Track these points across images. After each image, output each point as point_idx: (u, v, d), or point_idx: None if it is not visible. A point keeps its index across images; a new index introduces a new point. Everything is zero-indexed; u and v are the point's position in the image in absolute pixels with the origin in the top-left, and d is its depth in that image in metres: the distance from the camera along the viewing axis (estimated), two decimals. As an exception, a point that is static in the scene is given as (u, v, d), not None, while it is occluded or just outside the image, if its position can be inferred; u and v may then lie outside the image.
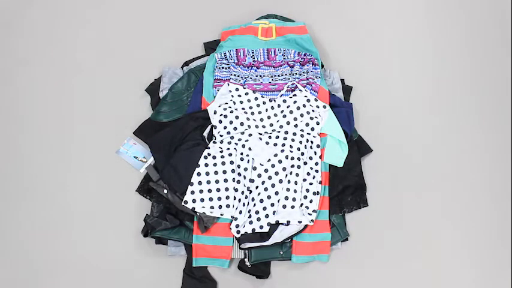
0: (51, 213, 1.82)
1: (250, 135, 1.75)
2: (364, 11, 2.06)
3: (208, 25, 2.01)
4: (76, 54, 2.00)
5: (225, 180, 1.69)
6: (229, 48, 1.88)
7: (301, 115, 1.77)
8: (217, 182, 1.69)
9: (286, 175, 1.70)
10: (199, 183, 1.69)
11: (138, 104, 1.92)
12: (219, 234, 1.71)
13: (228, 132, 1.75)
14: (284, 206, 1.68)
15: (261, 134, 1.76)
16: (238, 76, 1.85)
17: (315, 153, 1.75)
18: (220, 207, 1.68)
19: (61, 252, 1.78)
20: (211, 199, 1.68)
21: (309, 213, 1.69)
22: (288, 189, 1.69)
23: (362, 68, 1.98)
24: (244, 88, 1.80)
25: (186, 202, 1.67)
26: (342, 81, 1.94)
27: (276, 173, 1.70)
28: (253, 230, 1.66)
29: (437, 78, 1.98)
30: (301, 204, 1.69)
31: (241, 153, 1.73)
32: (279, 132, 1.77)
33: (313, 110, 1.78)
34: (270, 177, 1.70)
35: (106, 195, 1.83)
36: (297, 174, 1.71)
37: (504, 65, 2.00)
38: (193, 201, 1.68)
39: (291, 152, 1.73)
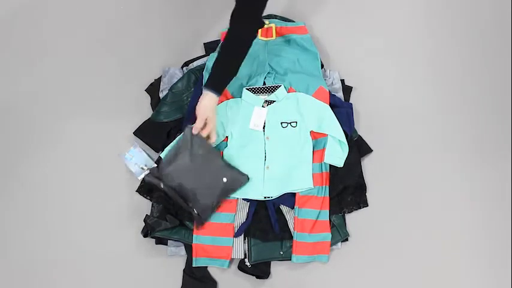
0: (51, 213, 1.82)
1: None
2: (364, 11, 2.07)
3: (208, 25, 2.01)
4: (76, 54, 2.00)
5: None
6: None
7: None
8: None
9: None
10: None
11: (138, 104, 1.93)
12: (219, 234, 1.71)
13: None
14: None
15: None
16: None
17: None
18: None
19: (61, 252, 1.78)
20: None
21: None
22: None
23: (362, 68, 1.98)
24: None
25: None
26: (342, 81, 1.94)
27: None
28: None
29: (438, 78, 1.98)
30: None
31: None
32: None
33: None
34: None
35: (106, 195, 1.83)
36: None
37: (505, 65, 2.00)
38: None
39: None
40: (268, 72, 1.88)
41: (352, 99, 1.93)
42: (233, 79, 1.85)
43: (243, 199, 1.75)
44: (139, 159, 1.83)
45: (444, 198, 1.84)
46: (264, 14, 1.96)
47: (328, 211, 1.75)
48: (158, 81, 1.92)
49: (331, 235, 1.74)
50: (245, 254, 1.72)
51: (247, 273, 1.72)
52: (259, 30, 1.89)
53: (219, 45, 1.81)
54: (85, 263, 1.77)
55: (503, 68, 1.99)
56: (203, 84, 1.83)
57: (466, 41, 2.03)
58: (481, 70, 1.99)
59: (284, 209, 1.75)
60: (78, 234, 1.80)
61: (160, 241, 1.75)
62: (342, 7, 2.07)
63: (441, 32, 2.04)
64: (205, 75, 1.85)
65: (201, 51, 1.98)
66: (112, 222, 1.80)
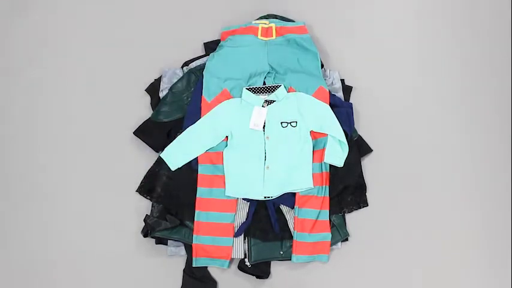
0: (51, 213, 1.82)
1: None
2: (364, 11, 2.06)
3: (208, 25, 2.01)
4: (76, 54, 2.00)
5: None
6: (229, 47, 1.88)
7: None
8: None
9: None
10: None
11: (138, 104, 1.92)
12: (219, 234, 1.71)
13: None
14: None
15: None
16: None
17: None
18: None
19: (61, 252, 1.78)
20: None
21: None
22: None
23: (362, 68, 1.98)
24: None
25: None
26: (342, 81, 1.94)
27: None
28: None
29: (438, 78, 1.98)
30: None
31: None
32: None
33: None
34: None
35: (106, 195, 1.83)
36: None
37: (505, 65, 2.00)
38: None
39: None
40: (268, 72, 1.88)
41: (352, 99, 1.93)
42: (233, 79, 1.86)
43: (243, 199, 1.75)
44: None
45: (444, 198, 1.84)
46: (264, 14, 1.98)
47: (328, 211, 1.75)
48: (158, 81, 1.92)
49: (331, 235, 1.74)
50: (245, 254, 1.72)
51: (247, 273, 1.73)
52: (260, 30, 1.89)
53: None
54: (85, 263, 1.77)
55: (503, 68, 1.99)
56: (203, 84, 1.83)
57: (466, 41, 2.03)
58: (481, 70, 1.99)
59: (284, 208, 1.75)
60: (78, 234, 1.80)
61: (160, 241, 1.75)
62: (341, 7, 2.07)
63: (441, 32, 2.04)
64: (206, 75, 1.85)
65: (201, 51, 1.98)
66: (112, 222, 1.80)
